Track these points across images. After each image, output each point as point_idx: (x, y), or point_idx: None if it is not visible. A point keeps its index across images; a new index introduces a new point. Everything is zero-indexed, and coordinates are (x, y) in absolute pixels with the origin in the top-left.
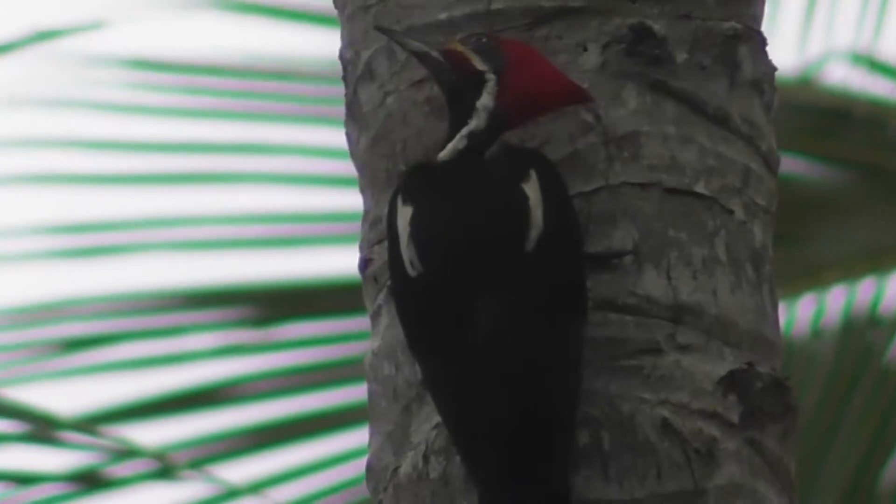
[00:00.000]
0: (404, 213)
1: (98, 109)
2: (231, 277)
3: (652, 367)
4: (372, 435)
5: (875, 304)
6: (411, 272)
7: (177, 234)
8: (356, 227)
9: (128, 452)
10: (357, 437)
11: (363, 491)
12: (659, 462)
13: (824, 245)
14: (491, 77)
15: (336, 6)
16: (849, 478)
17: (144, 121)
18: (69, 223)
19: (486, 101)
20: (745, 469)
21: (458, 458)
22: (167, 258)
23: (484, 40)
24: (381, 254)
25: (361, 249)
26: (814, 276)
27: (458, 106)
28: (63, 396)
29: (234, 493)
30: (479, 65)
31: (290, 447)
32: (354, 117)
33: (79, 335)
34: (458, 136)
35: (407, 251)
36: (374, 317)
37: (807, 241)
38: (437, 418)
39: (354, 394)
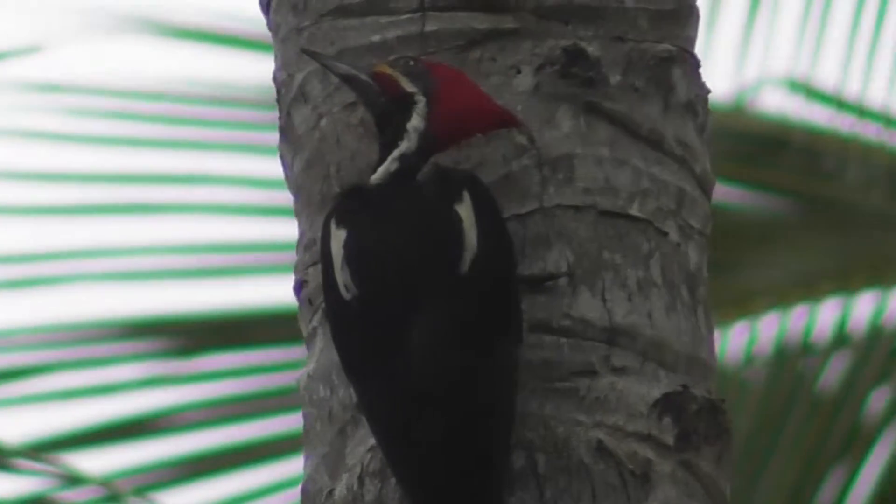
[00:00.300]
0: (338, 237)
1: (29, 137)
2: (161, 308)
3: (587, 389)
4: (307, 458)
5: (807, 333)
6: (346, 295)
7: (108, 265)
8: (285, 256)
9: (75, 479)
10: (290, 467)
11: None
12: (594, 484)
13: (757, 273)
14: (420, 98)
15: (270, 29)
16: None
17: (74, 149)
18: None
19: (416, 122)
20: (680, 491)
21: (393, 481)
22: (98, 289)
23: (412, 63)
24: (315, 276)
25: (296, 272)
26: (746, 304)
27: (388, 128)
28: None
29: None
30: (409, 86)
31: (227, 476)
32: (288, 140)
33: (9, 366)
34: (389, 159)
35: (341, 274)
36: (309, 339)
37: (739, 269)
38: (373, 441)
39: (285, 423)
